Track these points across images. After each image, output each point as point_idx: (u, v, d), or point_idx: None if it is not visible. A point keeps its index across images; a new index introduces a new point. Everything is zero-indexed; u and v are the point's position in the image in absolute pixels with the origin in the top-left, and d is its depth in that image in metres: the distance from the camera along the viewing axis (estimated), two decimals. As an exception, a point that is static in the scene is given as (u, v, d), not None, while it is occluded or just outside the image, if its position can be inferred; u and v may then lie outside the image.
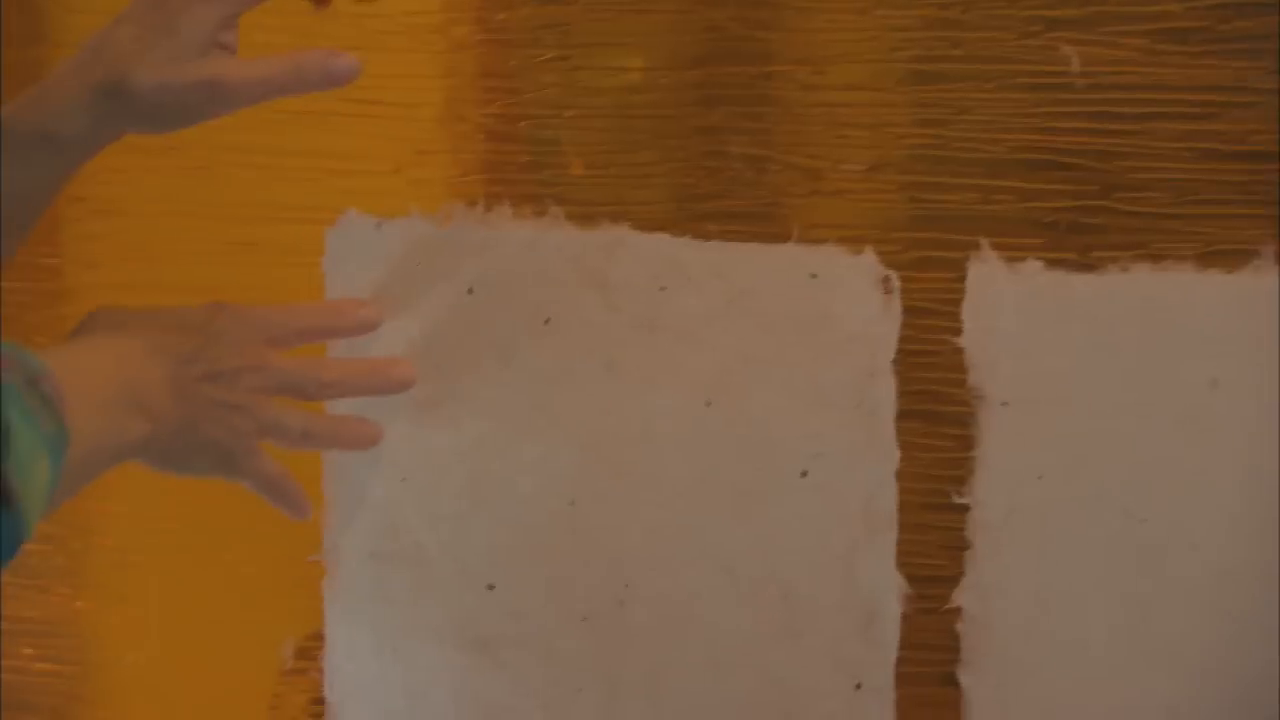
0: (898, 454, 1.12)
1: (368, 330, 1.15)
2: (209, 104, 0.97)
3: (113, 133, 0.99)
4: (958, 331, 1.11)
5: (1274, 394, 1.06)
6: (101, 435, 0.87)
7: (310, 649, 1.26)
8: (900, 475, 1.13)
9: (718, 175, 1.14)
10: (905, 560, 1.13)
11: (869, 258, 1.11)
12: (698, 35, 1.13)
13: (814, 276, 1.12)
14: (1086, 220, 1.08)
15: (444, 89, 1.18)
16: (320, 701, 1.25)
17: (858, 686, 1.15)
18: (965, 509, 1.12)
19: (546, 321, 1.16)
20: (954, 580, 1.13)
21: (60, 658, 1.30)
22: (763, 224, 1.13)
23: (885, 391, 1.12)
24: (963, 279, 1.10)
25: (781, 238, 1.13)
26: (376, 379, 1.14)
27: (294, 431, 1.08)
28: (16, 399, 0.73)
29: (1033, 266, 1.09)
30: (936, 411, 1.12)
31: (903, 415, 1.12)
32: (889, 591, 1.14)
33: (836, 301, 1.12)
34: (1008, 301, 1.10)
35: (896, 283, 1.11)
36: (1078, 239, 1.08)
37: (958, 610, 1.13)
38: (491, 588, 1.19)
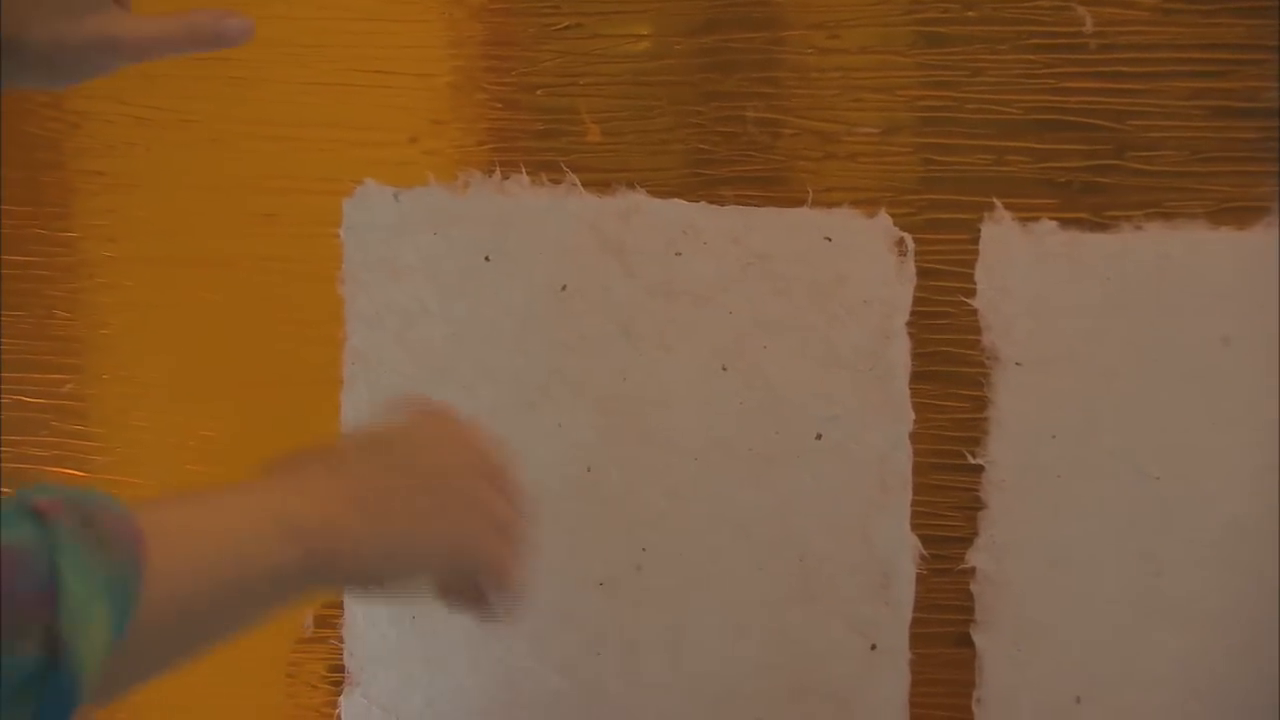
0: (912, 415, 1.14)
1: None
2: (103, 59, 0.93)
3: (10, 85, 0.97)
4: (971, 293, 1.12)
5: (1286, 350, 1.07)
6: None
7: (329, 618, 1.26)
8: (914, 436, 1.14)
9: (732, 140, 1.15)
10: (920, 521, 1.15)
11: (883, 220, 1.12)
12: (711, 1, 1.14)
13: (828, 240, 1.13)
14: (1099, 180, 1.09)
15: (458, 58, 1.19)
16: (338, 669, 1.26)
17: (873, 647, 1.16)
18: (979, 469, 1.13)
19: (563, 288, 1.17)
20: (968, 540, 1.14)
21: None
22: (777, 188, 1.14)
23: (899, 353, 1.13)
24: (976, 240, 1.11)
25: (796, 202, 1.14)
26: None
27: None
28: (69, 546, 0.67)
29: (1046, 227, 1.10)
30: (950, 373, 1.13)
31: (917, 377, 1.13)
32: (904, 552, 1.15)
33: (851, 264, 1.13)
34: (1021, 262, 1.11)
35: (910, 245, 1.12)
36: (1090, 198, 1.09)
37: (972, 571, 1.14)
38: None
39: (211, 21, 0.92)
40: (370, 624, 1.24)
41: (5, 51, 0.92)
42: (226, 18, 0.91)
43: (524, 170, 1.18)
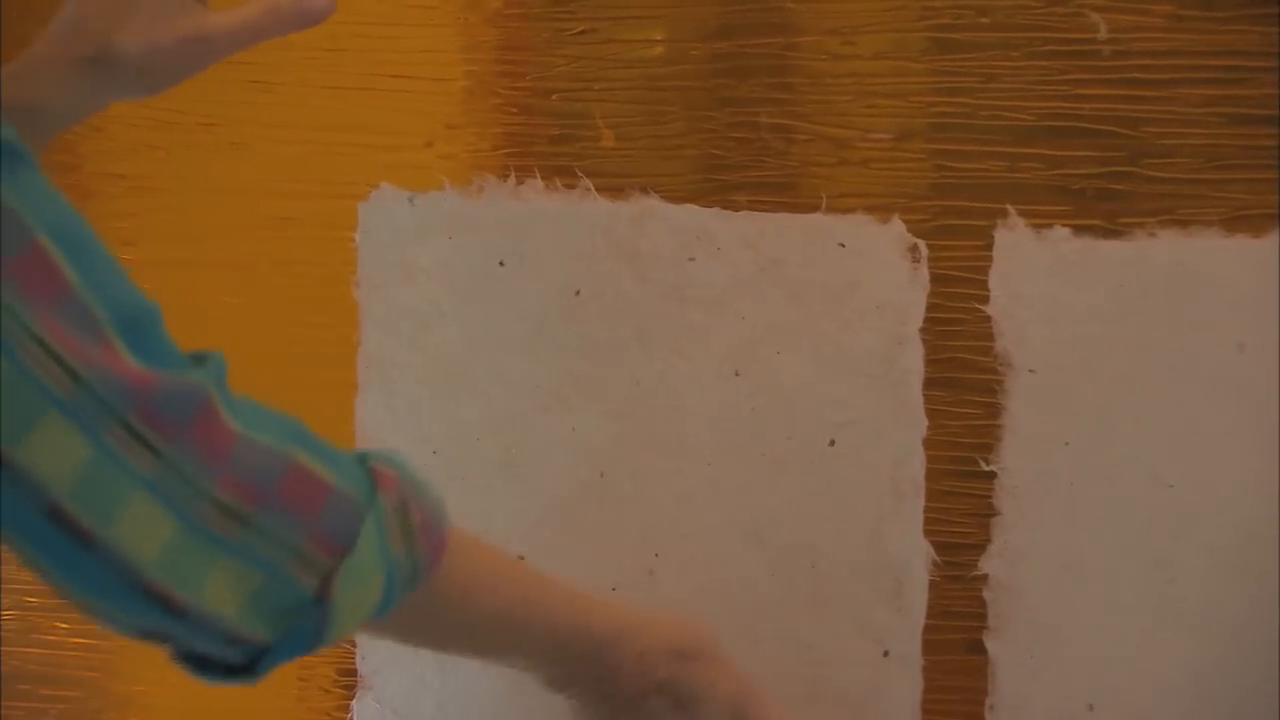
0: (925, 422, 1.13)
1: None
2: (195, 59, 0.95)
3: (101, 101, 0.97)
4: (985, 299, 1.11)
5: (1301, 357, 1.07)
6: None
7: (342, 621, 1.26)
8: (928, 443, 1.14)
9: (746, 146, 1.15)
10: (933, 528, 1.14)
11: (896, 226, 1.12)
12: (725, 6, 1.14)
13: (842, 246, 1.13)
14: (1113, 186, 1.09)
15: (474, 63, 1.19)
16: (350, 673, 1.26)
17: (885, 654, 1.16)
18: (992, 476, 1.13)
19: (577, 293, 1.17)
20: (981, 547, 1.14)
21: (94, 632, 1.31)
22: (791, 194, 1.14)
23: (913, 360, 1.13)
24: (990, 247, 1.11)
25: (809, 207, 1.14)
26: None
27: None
28: (380, 520, 0.76)
29: (1060, 233, 1.10)
30: (964, 379, 1.13)
31: (930, 383, 1.13)
32: (917, 559, 1.14)
33: (864, 270, 1.13)
34: (1035, 269, 1.10)
35: (924, 251, 1.12)
36: (1104, 205, 1.09)
37: (985, 577, 1.14)
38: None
39: (293, 2, 0.94)
40: (383, 627, 1.24)
41: (100, 65, 0.92)
42: None
43: (538, 175, 1.18)
